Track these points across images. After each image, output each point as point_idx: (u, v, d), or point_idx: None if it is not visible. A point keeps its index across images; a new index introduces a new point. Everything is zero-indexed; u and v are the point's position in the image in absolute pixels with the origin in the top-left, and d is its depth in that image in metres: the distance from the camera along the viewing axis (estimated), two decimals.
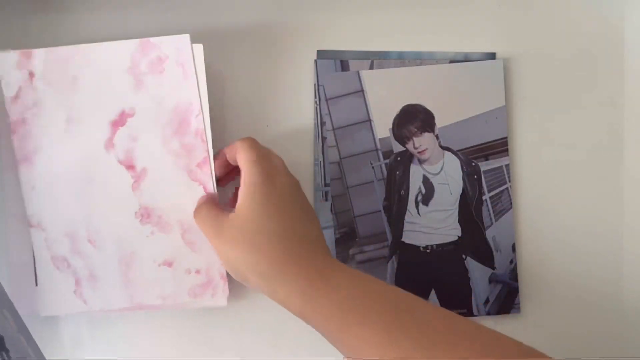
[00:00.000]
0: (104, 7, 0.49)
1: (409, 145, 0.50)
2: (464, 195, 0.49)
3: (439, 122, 0.50)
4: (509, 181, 0.50)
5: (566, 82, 0.51)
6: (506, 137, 0.50)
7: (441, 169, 0.50)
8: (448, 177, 0.49)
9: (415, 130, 0.50)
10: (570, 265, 0.51)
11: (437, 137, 0.50)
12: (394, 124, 0.50)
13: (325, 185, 0.49)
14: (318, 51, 0.50)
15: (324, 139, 0.49)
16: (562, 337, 0.50)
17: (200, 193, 0.45)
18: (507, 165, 0.50)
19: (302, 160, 0.50)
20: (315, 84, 0.50)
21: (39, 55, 0.44)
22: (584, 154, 0.51)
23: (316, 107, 0.50)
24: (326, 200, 0.49)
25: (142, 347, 0.49)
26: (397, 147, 0.50)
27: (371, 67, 0.50)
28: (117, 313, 0.47)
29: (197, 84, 0.45)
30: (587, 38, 0.51)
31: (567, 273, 0.51)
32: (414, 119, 0.50)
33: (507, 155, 0.50)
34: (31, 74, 0.44)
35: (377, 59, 0.50)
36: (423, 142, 0.50)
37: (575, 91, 0.51)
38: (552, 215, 0.51)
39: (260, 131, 0.50)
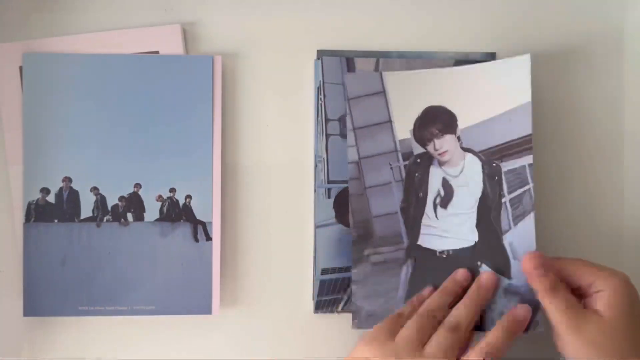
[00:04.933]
0: None
1: (430, 147, 0.49)
2: (483, 198, 0.48)
3: (462, 124, 0.49)
4: (532, 181, 0.48)
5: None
6: (530, 135, 0.47)
7: (461, 171, 0.49)
8: (468, 179, 0.49)
9: (437, 132, 0.49)
10: None
11: (458, 138, 0.49)
12: (415, 125, 0.49)
13: (329, 182, 0.49)
14: (318, 51, 0.51)
15: (327, 135, 0.49)
16: None
17: None
18: (530, 165, 0.47)
19: (302, 159, 0.51)
20: (320, 81, 0.50)
21: None
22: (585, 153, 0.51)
23: (320, 104, 0.50)
24: (329, 197, 0.49)
25: (138, 350, 0.51)
26: (417, 149, 0.49)
27: (376, 66, 0.50)
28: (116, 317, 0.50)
29: None
30: (586, 38, 0.51)
31: None
32: (436, 120, 0.49)
33: (530, 154, 0.47)
34: None
35: (378, 58, 0.50)
36: (444, 144, 0.49)
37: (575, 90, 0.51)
38: (570, 218, 0.50)
39: (260, 131, 0.51)
